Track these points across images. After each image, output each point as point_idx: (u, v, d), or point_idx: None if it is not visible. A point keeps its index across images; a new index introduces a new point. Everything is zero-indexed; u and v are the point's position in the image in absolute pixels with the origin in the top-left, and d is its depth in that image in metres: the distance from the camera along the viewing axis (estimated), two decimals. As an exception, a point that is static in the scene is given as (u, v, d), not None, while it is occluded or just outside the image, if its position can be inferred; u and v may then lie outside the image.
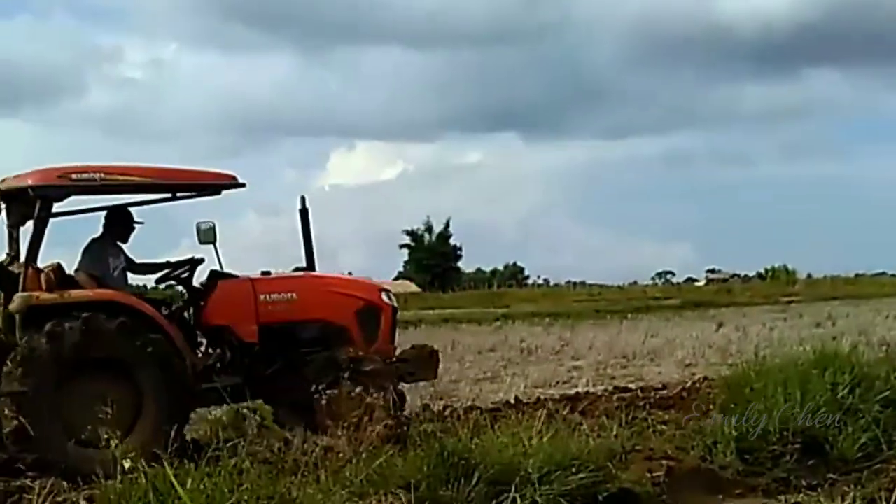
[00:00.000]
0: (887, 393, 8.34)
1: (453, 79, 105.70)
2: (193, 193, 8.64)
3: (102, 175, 7.92)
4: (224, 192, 8.60)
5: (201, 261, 8.59)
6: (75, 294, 7.74)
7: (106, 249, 8.42)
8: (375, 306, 8.99)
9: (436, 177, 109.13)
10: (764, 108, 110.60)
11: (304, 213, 8.80)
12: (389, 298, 9.22)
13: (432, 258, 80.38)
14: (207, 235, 8.27)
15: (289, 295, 8.65)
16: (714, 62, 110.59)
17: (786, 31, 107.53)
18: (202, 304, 8.37)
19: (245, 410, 8.60)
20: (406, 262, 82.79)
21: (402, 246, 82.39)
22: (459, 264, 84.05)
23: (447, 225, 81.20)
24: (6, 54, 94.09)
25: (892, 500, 5.81)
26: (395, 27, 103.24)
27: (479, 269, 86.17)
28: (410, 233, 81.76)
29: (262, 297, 8.50)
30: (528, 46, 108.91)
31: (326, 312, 8.75)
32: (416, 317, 33.24)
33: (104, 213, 8.60)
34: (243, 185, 8.52)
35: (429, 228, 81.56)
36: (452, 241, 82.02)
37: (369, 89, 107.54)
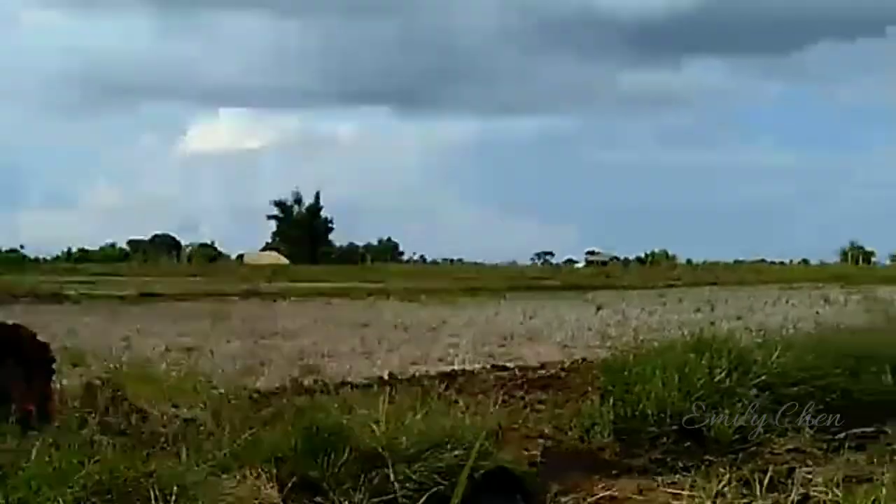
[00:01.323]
0: (763, 377, 8.64)
1: (323, 48, 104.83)
2: None
3: None
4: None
5: None
6: None
7: None
8: None
9: (304, 147, 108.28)
10: (644, 93, 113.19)
11: None
12: None
13: (301, 230, 79.84)
14: None
15: None
16: (595, 45, 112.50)
17: (665, 19, 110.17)
18: None
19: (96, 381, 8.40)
20: (274, 234, 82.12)
21: (269, 217, 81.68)
22: (330, 237, 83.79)
23: (317, 197, 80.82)
24: None
25: (766, 481, 6.03)
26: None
27: (351, 244, 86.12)
28: (279, 203, 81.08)
29: None
30: (401, 18, 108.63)
31: None
32: (284, 290, 32.98)
33: None
34: None
35: (298, 200, 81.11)
36: (323, 214, 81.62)
37: (233, 55, 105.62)
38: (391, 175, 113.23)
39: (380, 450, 6.11)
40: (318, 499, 5.88)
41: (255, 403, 8.18)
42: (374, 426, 6.41)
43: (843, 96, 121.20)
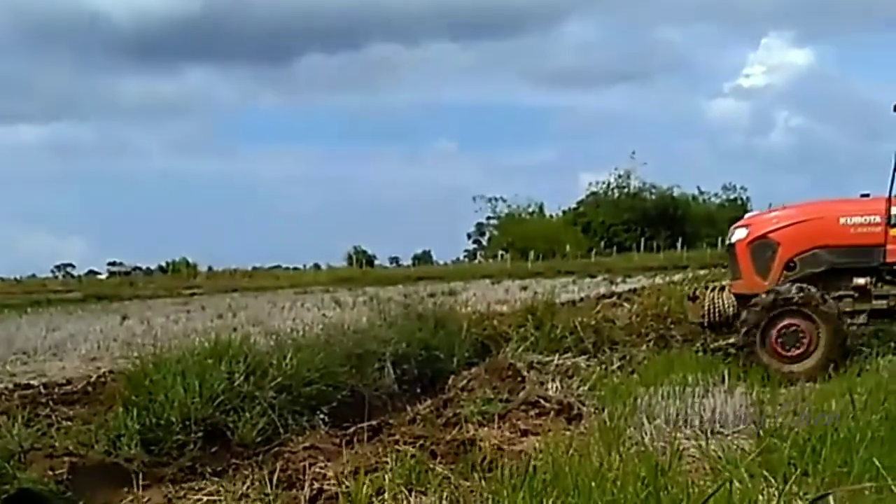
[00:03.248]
0: (280, 379, 8.83)
1: None
2: None
3: None
4: None
5: None
6: None
7: None
8: None
9: None
10: (149, 100, 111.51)
11: None
12: None
13: None
14: None
15: None
16: (92, 52, 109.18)
17: (162, 25, 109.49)
18: None
19: None
20: None
21: None
22: None
23: None
24: None
25: (283, 479, 6.17)
26: None
27: None
28: None
29: None
30: None
31: None
32: None
33: None
34: None
35: None
36: None
37: None
38: None
39: None
40: None
41: None
42: None
43: (333, 106, 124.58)
